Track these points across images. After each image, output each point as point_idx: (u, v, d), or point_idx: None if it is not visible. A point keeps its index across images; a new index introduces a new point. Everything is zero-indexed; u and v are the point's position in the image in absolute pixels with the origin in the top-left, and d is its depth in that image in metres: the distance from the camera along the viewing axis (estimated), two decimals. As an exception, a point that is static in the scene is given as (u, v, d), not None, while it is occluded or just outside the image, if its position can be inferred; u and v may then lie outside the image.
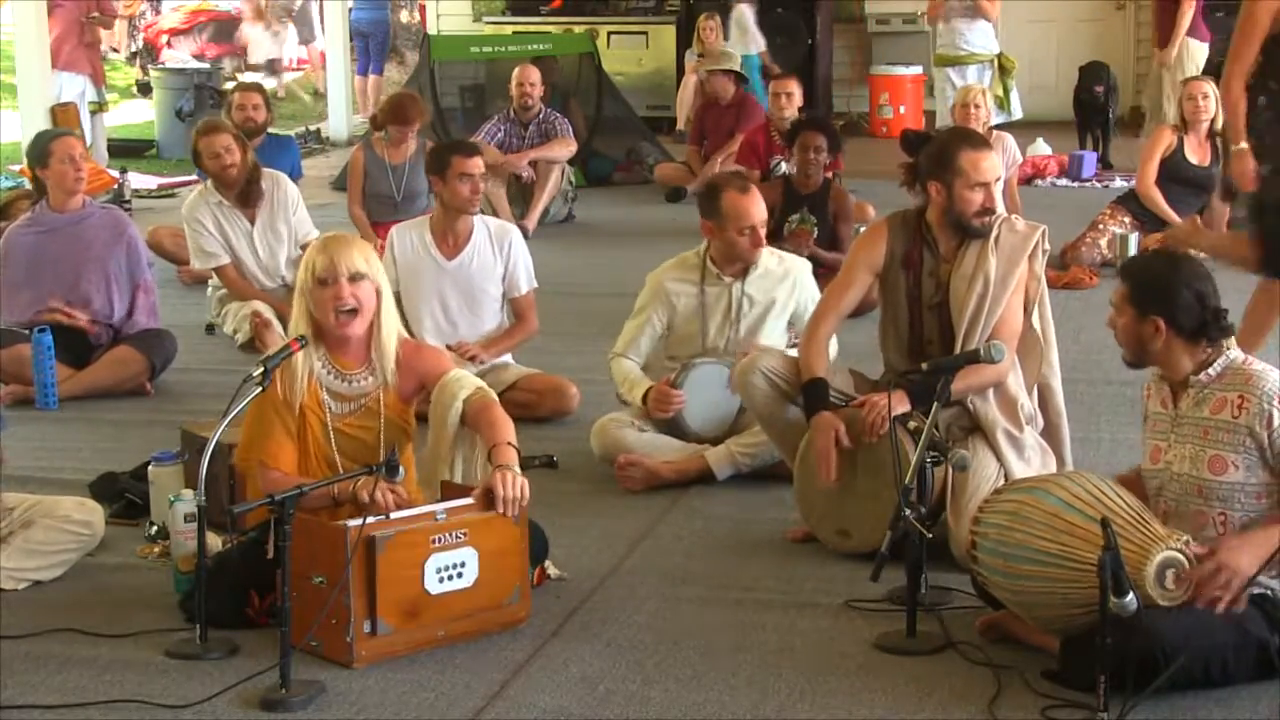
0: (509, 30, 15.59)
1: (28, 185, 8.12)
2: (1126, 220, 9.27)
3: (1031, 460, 4.84)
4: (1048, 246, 4.97)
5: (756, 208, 5.69)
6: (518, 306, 6.51)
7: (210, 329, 7.88)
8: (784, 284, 5.80)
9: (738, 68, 12.13)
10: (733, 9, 14.74)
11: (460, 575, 4.16)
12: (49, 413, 6.53)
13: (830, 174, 8.51)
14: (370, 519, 4.03)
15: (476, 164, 6.40)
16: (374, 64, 17.57)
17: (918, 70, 15.20)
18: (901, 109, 15.44)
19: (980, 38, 12.44)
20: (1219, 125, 9.45)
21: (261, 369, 4.26)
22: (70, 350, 6.71)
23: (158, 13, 20.90)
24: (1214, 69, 11.34)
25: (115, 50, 20.46)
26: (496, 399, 4.52)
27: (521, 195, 10.80)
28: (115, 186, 11.32)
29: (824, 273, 6.41)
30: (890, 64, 15.82)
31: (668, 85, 15.69)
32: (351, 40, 16.89)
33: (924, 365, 4.62)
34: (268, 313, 7.40)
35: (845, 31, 16.67)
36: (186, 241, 7.90)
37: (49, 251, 6.85)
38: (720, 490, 5.48)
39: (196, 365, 7.22)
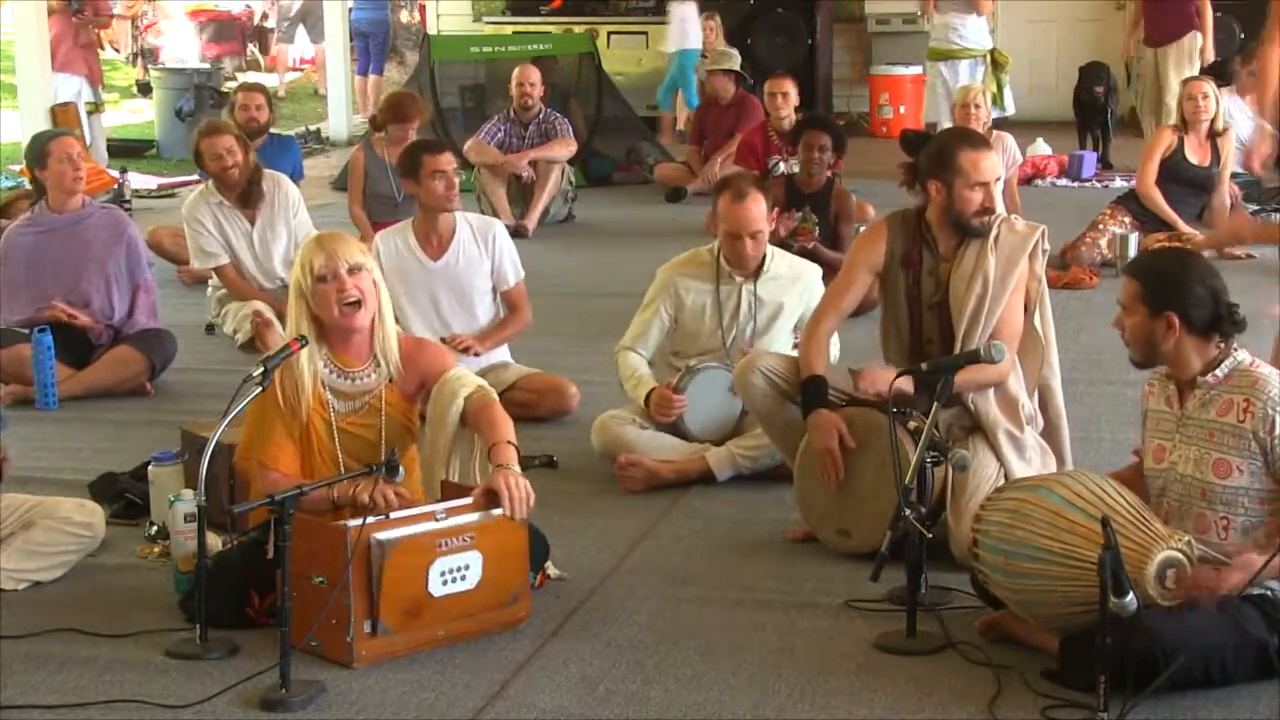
0: (509, 30, 15.61)
1: (28, 185, 8.11)
2: (1126, 220, 9.27)
3: (1032, 460, 4.84)
4: (1048, 246, 4.97)
5: (748, 215, 5.63)
6: (510, 299, 6.49)
7: (210, 329, 7.88)
8: (794, 288, 5.79)
9: (738, 67, 12.14)
10: (671, 7, 14.81)
11: (464, 578, 4.16)
12: (49, 413, 6.52)
13: (831, 174, 8.51)
14: (370, 519, 4.03)
15: (448, 160, 6.35)
16: (374, 64, 17.58)
17: (918, 70, 15.19)
18: (901, 109, 15.46)
19: (973, 33, 12.43)
20: (1219, 125, 9.46)
21: (261, 369, 4.26)
22: (70, 350, 6.70)
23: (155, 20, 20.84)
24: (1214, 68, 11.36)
25: (116, 49, 20.46)
26: (497, 398, 4.52)
27: (521, 195, 10.80)
28: (115, 186, 11.31)
29: (825, 272, 6.40)
30: (890, 64, 15.83)
31: (667, 85, 15.71)
32: (351, 40, 16.88)
33: (924, 365, 4.62)
34: (268, 313, 7.39)
35: (845, 31, 16.67)
36: (186, 241, 7.91)
37: (49, 251, 6.84)
38: (720, 490, 5.47)
39: (196, 365, 7.22)
